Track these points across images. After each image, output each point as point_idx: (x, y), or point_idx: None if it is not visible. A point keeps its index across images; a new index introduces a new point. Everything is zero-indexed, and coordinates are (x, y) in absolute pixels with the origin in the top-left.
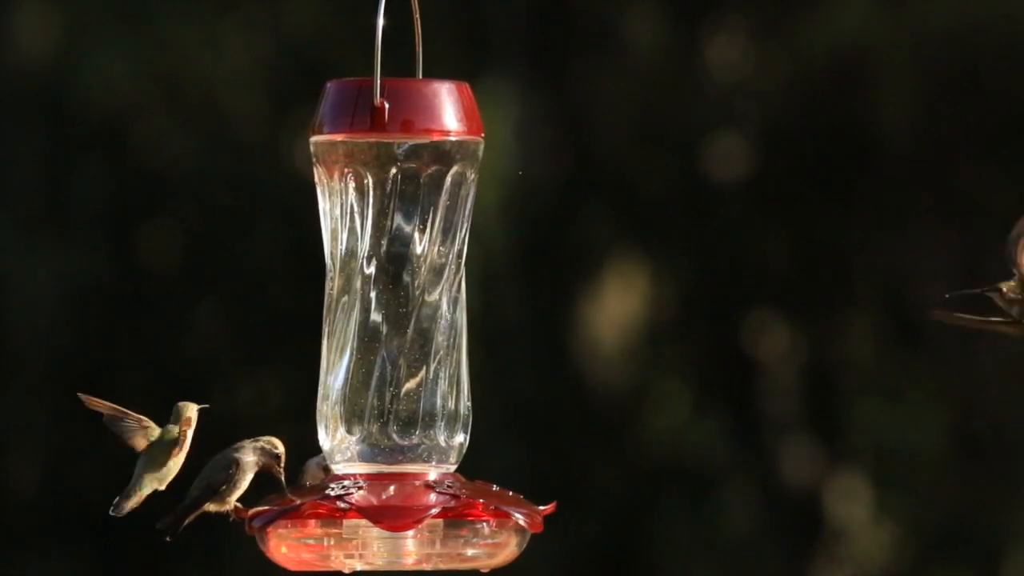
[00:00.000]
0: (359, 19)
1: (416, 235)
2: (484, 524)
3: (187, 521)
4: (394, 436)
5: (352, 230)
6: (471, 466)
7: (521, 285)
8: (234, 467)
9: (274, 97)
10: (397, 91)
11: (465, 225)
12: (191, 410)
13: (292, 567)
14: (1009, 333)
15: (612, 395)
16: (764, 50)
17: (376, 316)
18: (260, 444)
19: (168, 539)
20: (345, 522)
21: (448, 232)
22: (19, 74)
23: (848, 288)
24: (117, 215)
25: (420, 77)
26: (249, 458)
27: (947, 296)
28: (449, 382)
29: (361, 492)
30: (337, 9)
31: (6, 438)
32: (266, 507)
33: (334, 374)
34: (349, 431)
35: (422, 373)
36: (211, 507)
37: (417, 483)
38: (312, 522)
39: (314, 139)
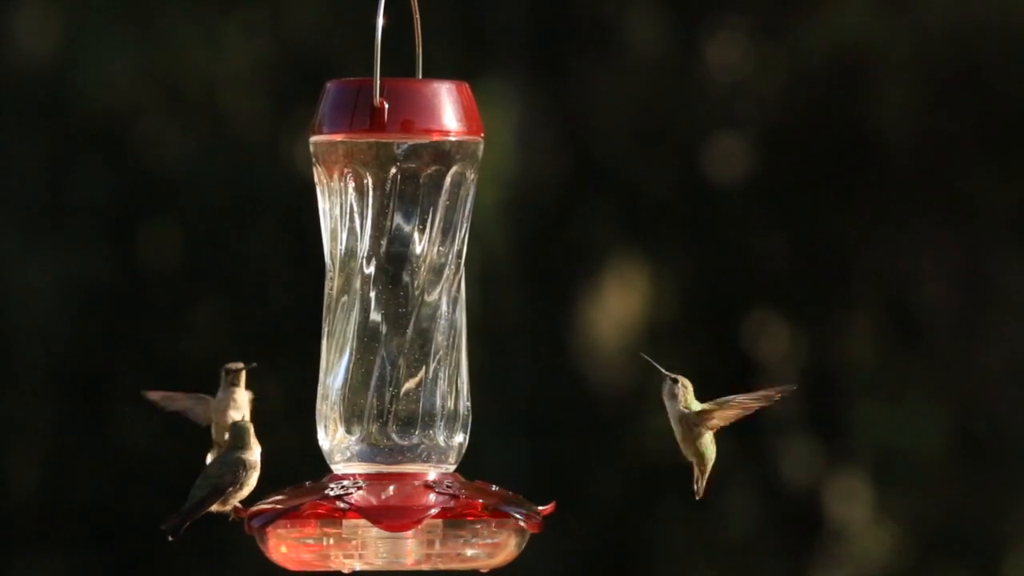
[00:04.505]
0: (359, 19)
1: (416, 235)
2: (483, 524)
3: (191, 521)
4: (393, 436)
5: (352, 230)
6: (470, 466)
7: (521, 285)
8: (241, 468)
9: (274, 97)
10: (397, 91)
11: (465, 225)
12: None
13: (291, 567)
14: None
15: (612, 395)
16: (764, 50)
17: (376, 316)
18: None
19: (171, 539)
20: (344, 522)
21: (448, 232)
22: (19, 74)
23: (848, 288)
24: (117, 215)
25: (420, 77)
26: (254, 457)
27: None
28: (449, 382)
29: (360, 492)
30: (337, 9)
31: (6, 438)
32: (265, 507)
33: (333, 374)
34: (348, 431)
35: (421, 373)
36: (213, 507)
37: (416, 483)
38: (311, 522)
39: (314, 139)
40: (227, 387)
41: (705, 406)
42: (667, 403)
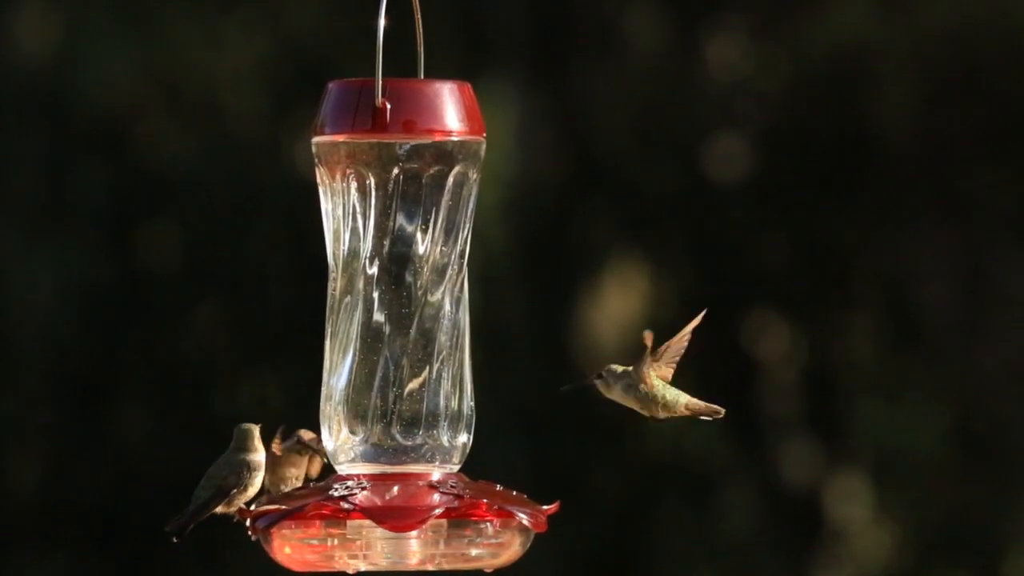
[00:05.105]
0: (360, 19)
1: (418, 235)
2: (488, 524)
3: (195, 523)
4: (397, 436)
5: (354, 231)
6: (474, 466)
7: (521, 285)
8: (245, 469)
9: (275, 97)
10: (399, 91)
11: (467, 225)
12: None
13: (296, 568)
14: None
15: None
16: (764, 50)
17: (379, 316)
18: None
19: (175, 540)
20: (349, 523)
21: (450, 232)
22: (19, 74)
23: (848, 288)
24: (117, 215)
25: (421, 77)
26: (258, 458)
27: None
28: (452, 382)
29: (365, 492)
30: (338, 9)
31: (6, 438)
32: (270, 508)
33: (337, 375)
34: (352, 432)
35: (425, 373)
36: (218, 509)
37: (421, 483)
38: (316, 523)
39: (316, 140)
40: (292, 446)
41: (632, 366)
42: (617, 396)
